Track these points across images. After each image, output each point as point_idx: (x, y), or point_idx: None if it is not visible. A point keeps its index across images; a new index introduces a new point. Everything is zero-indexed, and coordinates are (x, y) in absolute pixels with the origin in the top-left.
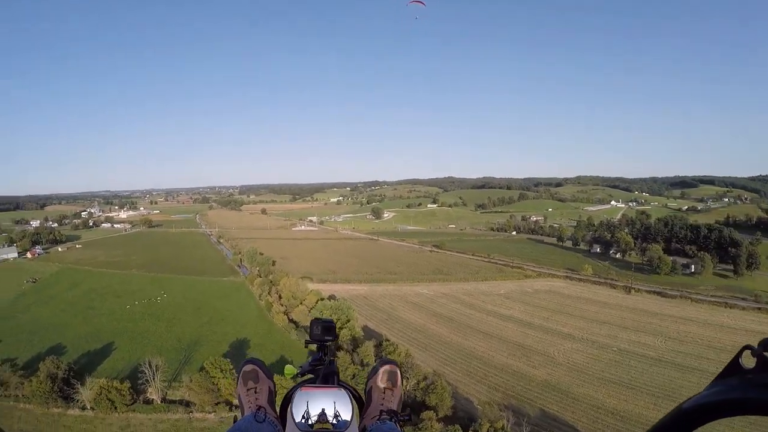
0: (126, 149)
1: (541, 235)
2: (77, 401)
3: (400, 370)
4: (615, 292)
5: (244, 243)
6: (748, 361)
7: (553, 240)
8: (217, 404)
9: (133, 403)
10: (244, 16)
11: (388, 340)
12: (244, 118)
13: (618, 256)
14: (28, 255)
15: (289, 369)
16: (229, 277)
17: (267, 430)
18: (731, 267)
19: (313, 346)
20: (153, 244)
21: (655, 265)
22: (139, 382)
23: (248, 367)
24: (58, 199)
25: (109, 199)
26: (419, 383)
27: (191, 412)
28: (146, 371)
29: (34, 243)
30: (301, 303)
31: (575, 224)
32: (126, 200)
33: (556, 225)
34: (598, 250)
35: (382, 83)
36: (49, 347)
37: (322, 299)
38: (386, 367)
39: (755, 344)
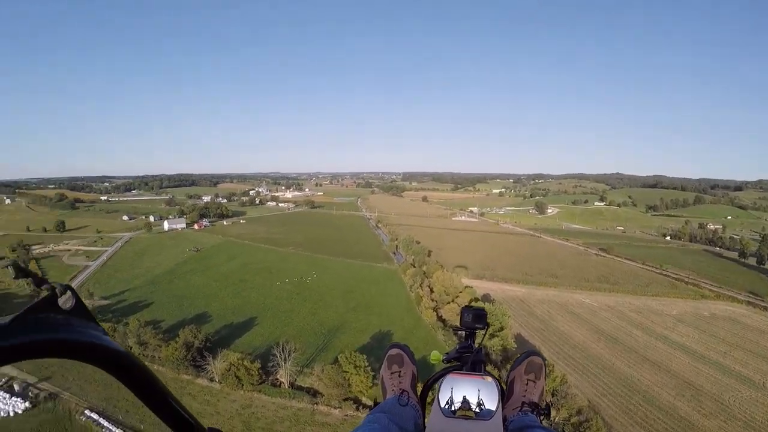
0: (296, 133)
1: (720, 247)
2: (207, 372)
3: (545, 363)
4: None
5: (402, 230)
6: None
7: (734, 255)
8: (344, 400)
9: (260, 383)
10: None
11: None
12: (409, 106)
13: None
14: (195, 227)
15: (435, 355)
16: (383, 264)
17: (409, 414)
18: None
19: (462, 334)
20: (312, 224)
21: None
22: (270, 364)
23: (394, 351)
24: (230, 178)
25: (277, 180)
26: (570, 417)
27: (316, 403)
28: (278, 354)
29: (202, 216)
30: (453, 300)
31: (760, 237)
32: (293, 181)
33: (736, 236)
34: None
35: (549, 73)
36: (196, 314)
37: (477, 300)
38: (531, 358)
39: None
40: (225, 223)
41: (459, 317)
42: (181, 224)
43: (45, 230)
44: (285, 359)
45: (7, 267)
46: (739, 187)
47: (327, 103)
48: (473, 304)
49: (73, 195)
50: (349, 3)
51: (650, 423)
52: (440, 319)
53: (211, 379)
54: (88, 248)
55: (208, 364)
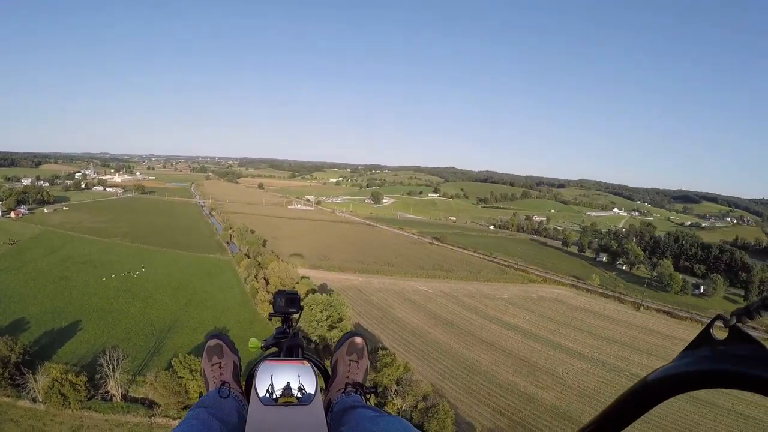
0: (128, 112)
1: (545, 237)
2: (28, 391)
3: (366, 343)
4: (623, 307)
5: (237, 218)
6: (720, 333)
7: (558, 244)
8: (184, 408)
9: (90, 399)
10: None
11: (385, 349)
12: (247, 90)
13: (625, 268)
14: (12, 215)
15: (253, 342)
16: (216, 255)
17: (231, 405)
18: (741, 292)
19: (278, 320)
20: (142, 211)
21: (666, 282)
22: (98, 376)
23: (213, 342)
24: (55, 158)
25: (107, 162)
26: (417, 404)
27: (153, 415)
28: (104, 364)
29: (20, 202)
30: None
31: (579, 229)
32: (123, 164)
33: (559, 227)
34: (604, 259)
35: (390, 68)
36: (12, 321)
37: (314, 290)
38: (351, 339)
39: (728, 315)
40: (46, 210)
41: (272, 303)
42: None
43: None
44: (113, 368)
45: None
46: (562, 184)
47: (160, 79)
48: (312, 309)
49: None
50: None
51: (493, 400)
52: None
53: (34, 400)
54: None
55: (28, 381)
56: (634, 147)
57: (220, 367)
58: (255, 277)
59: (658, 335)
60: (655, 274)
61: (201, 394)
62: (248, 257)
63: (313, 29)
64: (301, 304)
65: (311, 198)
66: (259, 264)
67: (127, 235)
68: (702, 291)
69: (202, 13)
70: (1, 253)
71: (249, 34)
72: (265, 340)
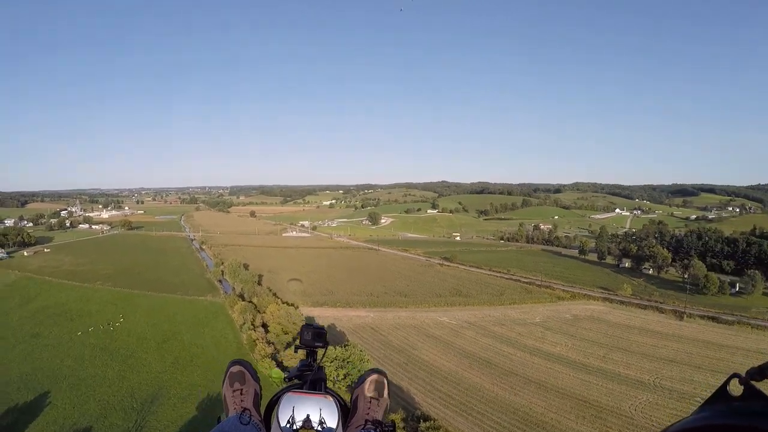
0: (116, 147)
1: (558, 246)
2: None
3: (387, 380)
4: (665, 317)
5: (229, 251)
6: (736, 390)
7: (573, 252)
8: None
9: None
10: (235, 14)
11: (426, 419)
12: (234, 118)
13: (652, 272)
14: None
15: (277, 373)
16: (207, 296)
17: None
18: None
19: (302, 352)
20: (127, 249)
21: (701, 284)
22: None
23: (235, 368)
24: (43, 196)
25: (95, 198)
26: None
27: None
28: None
29: None
30: (294, 340)
31: (588, 234)
32: (112, 199)
33: (568, 234)
34: (628, 265)
35: (373, 85)
36: None
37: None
38: (374, 376)
39: (744, 373)
40: (26, 253)
41: (299, 335)
42: None
43: None
44: None
45: None
46: (558, 189)
47: (146, 113)
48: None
49: None
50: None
51: None
52: (282, 366)
53: None
54: None
55: None
56: (624, 145)
57: (241, 394)
58: (252, 324)
59: (713, 346)
60: (687, 276)
61: (219, 418)
62: (243, 299)
63: (300, 55)
64: (327, 339)
65: (306, 223)
66: (256, 307)
67: (109, 278)
68: (738, 289)
69: (187, 40)
70: None
71: (234, 61)
72: (288, 371)
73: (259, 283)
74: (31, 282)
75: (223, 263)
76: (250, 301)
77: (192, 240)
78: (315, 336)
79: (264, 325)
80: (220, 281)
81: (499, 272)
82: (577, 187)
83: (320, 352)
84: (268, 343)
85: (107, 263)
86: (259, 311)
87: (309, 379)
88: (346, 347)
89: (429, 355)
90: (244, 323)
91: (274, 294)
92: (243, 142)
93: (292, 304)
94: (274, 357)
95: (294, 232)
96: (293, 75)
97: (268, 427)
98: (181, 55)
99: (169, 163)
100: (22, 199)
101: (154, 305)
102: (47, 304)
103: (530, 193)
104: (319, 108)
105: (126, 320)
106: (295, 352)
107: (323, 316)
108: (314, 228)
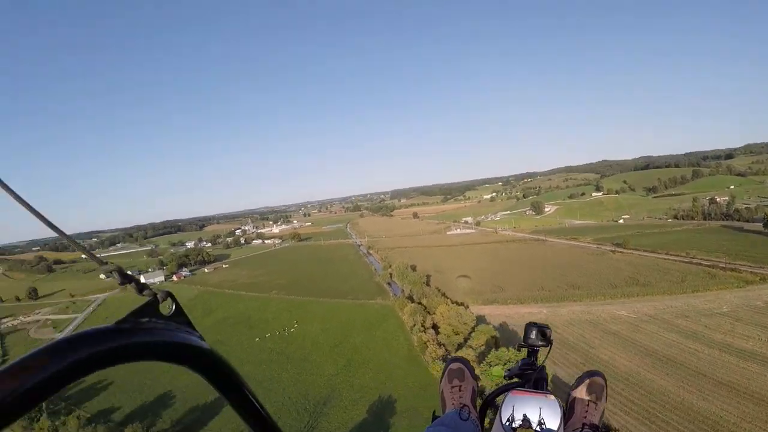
0: (281, 166)
1: (738, 220)
2: None
3: (606, 383)
4: None
5: (395, 254)
6: None
7: (758, 226)
8: None
9: None
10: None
11: (608, 429)
12: (390, 122)
13: None
14: (174, 278)
15: (497, 371)
16: (377, 299)
17: (470, 428)
18: None
19: (524, 351)
20: (298, 260)
21: None
22: None
23: (455, 365)
24: (218, 219)
25: (265, 215)
26: None
27: None
28: None
29: (181, 265)
30: (465, 341)
31: None
32: (281, 215)
33: (749, 205)
34: None
35: (525, 69)
36: (157, 396)
37: (494, 337)
38: (593, 378)
39: None
40: (206, 270)
41: (523, 333)
42: (159, 277)
43: (18, 299)
44: None
45: (111, 273)
46: (730, 154)
47: (312, 132)
48: (492, 371)
49: (53, 256)
50: (325, 27)
51: None
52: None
53: None
54: (58, 317)
55: None
56: None
57: (459, 390)
58: (422, 326)
59: None
60: None
61: (434, 414)
62: (412, 300)
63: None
64: (551, 338)
65: (469, 219)
66: (425, 308)
67: (283, 288)
68: None
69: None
70: None
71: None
72: (508, 369)
73: (428, 284)
74: (211, 295)
75: (390, 266)
76: (420, 303)
77: (359, 246)
78: (539, 335)
79: (434, 326)
80: (388, 284)
81: (677, 255)
82: (750, 149)
83: (543, 351)
84: (439, 344)
85: (280, 274)
86: (428, 312)
87: (532, 377)
88: (519, 349)
89: (607, 353)
90: (414, 325)
91: (443, 294)
92: (400, 146)
93: (462, 303)
94: (444, 359)
95: (458, 230)
96: (446, 77)
97: (482, 424)
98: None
99: (330, 175)
100: (200, 223)
101: (326, 311)
102: (227, 314)
103: (699, 163)
104: (472, 103)
105: (300, 326)
106: (518, 350)
107: (494, 314)
108: (478, 223)
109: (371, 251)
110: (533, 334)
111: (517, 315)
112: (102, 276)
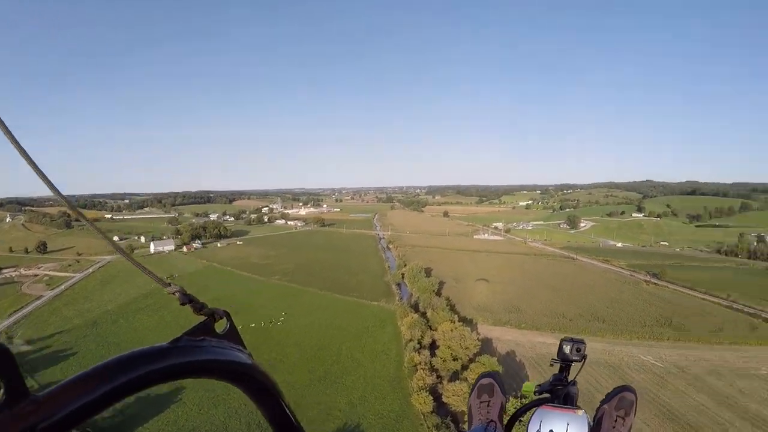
0: (320, 149)
1: None
2: None
3: (637, 399)
4: None
5: (415, 252)
6: None
7: None
8: None
9: None
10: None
11: None
12: (434, 119)
13: None
14: (184, 249)
15: (528, 386)
16: (380, 302)
17: None
18: None
19: (556, 366)
20: (315, 245)
21: None
22: None
23: (485, 381)
24: (250, 194)
25: (298, 196)
26: None
27: None
28: None
29: (194, 237)
30: (462, 369)
31: None
32: (312, 197)
33: None
34: None
35: (570, 81)
36: None
37: (496, 374)
38: (623, 394)
39: None
40: (219, 244)
41: (557, 347)
42: (168, 246)
43: (27, 251)
44: None
45: (174, 293)
46: None
47: (352, 119)
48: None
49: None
50: (372, 22)
51: None
52: (441, 404)
53: None
54: (57, 273)
55: None
56: None
57: (488, 405)
58: (419, 342)
59: None
60: None
61: (458, 428)
62: (416, 310)
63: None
64: (585, 352)
65: (499, 225)
66: (428, 322)
67: (287, 274)
68: None
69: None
70: (152, 289)
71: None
72: (539, 384)
73: (438, 293)
74: (214, 271)
75: (404, 266)
76: (423, 314)
77: (380, 238)
78: (573, 350)
79: (433, 343)
80: (398, 285)
81: (716, 297)
82: None
83: (575, 366)
84: (432, 370)
85: (290, 258)
86: (430, 327)
87: (562, 393)
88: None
89: None
90: (411, 340)
91: (452, 307)
92: (442, 143)
93: (471, 320)
94: (433, 390)
95: (485, 235)
96: (489, 78)
97: None
98: (383, 56)
99: (370, 164)
100: (231, 197)
101: (322, 305)
102: (221, 295)
103: (749, 195)
104: (521, 108)
105: (288, 319)
106: (551, 365)
107: (503, 339)
108: (507, 230)
109: (391, 246)
110: (567, 349)
111: (528, 344)
112: (115, 238)
